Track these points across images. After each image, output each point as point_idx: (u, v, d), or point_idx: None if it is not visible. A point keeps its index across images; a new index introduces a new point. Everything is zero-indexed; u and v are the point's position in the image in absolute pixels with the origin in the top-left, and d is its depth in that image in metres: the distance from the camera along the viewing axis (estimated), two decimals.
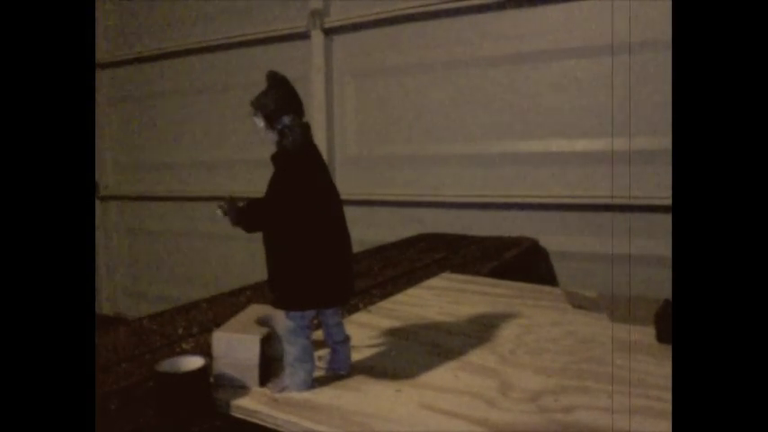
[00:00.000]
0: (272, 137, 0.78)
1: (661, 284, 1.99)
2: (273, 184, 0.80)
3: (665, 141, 2.08)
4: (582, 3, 2.21)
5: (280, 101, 0.77)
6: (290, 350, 0.85)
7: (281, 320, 0.85)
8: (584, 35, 2.23)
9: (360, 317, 1.24)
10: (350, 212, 0.87)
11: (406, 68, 2.62)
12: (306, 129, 0.80)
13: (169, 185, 3.36)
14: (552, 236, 2.37)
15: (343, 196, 0.86)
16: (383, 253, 2.11)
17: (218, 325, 1.24)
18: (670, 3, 0.59)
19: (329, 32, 2.75)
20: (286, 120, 0.76)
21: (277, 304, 0.84)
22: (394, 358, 0.99)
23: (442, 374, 0.92)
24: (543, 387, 0.88)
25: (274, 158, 0.80)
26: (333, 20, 2.72)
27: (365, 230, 2.62)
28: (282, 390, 0.84)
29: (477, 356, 1.00)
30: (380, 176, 2.73)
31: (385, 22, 2.61)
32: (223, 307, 1.40)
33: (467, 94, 2.49)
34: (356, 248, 0.89)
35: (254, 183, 0.91)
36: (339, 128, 2.80)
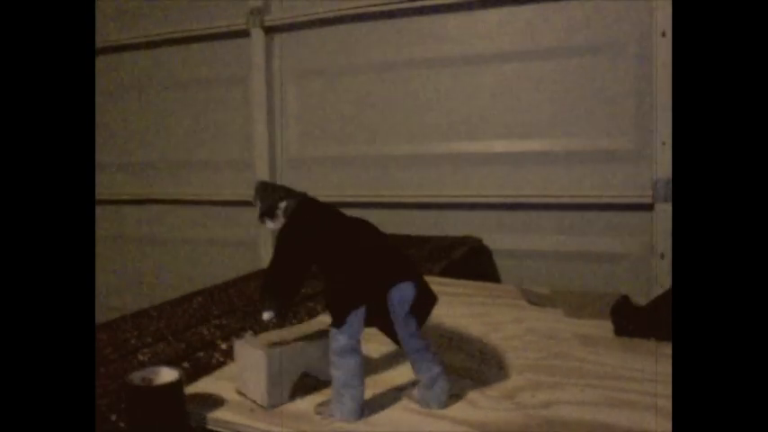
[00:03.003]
0: (280, 223, 0.85)
1: (606, 279, 2.08)
2: (281, 248, 0.83)
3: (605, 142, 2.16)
4: (538, 5, 2.25)
5: (265, 200, 0.85)
6: (337, 374, 0.78)
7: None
8: (536, 38, 2.28)
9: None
10: None
11: (348, 69, 2.61)
12: (297, 195, 0.86)
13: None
14: (494, 234, 2.42)
15: None
16: None
17: (173, 334, 1.19)
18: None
19: (270, 31, 2.69)
20: (281, 204, 0.84)
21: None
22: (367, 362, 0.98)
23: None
24: (518, 384, 0.89)
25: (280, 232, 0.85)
26: (273, 18, 2.67)
27: None
28: (329, 417, 0.78)
29: (447, 356, 1.00)
30: (323, 178, 2.70)
31: (328, 22, 2.58)
32: (174, 315, 1.34)
33: (411, 95, 2.50)
34: None
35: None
36: (280, 128, 2.75)
